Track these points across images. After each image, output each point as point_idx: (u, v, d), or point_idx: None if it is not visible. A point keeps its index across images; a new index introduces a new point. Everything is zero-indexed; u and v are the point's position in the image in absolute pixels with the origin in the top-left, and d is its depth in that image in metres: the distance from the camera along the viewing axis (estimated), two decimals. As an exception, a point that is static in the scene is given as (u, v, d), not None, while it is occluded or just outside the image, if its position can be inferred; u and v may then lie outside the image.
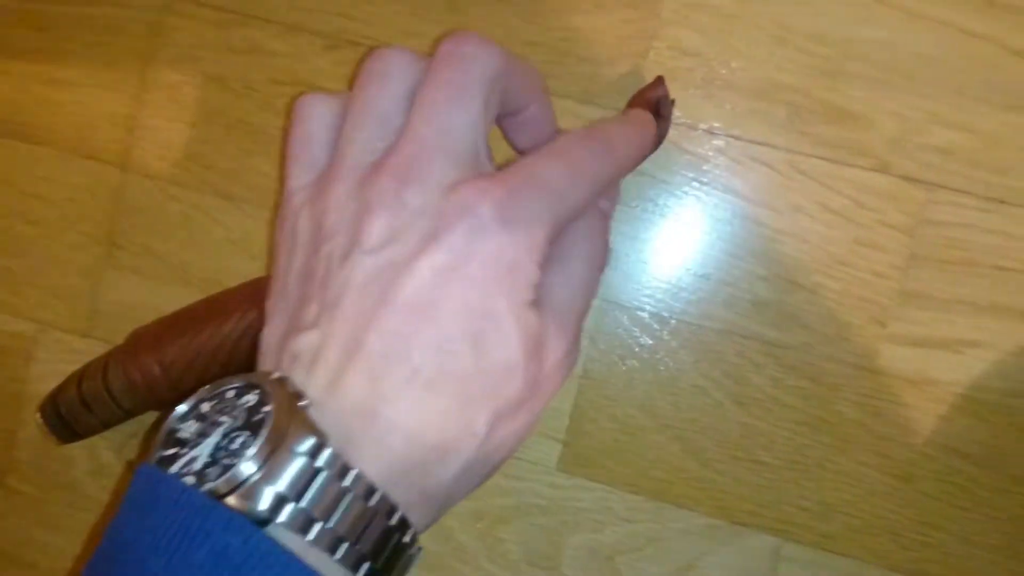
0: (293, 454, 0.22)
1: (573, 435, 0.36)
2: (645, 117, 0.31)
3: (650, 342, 0.35)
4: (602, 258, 0.29)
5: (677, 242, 0.35)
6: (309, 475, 0.22)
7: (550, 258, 0.27)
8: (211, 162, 0.37)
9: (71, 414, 0.34)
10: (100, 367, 0.34)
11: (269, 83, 0.37)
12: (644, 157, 0.30)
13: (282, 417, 0.22)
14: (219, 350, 0.32)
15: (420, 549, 0.25)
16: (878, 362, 0.34)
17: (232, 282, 0.37)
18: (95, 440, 0.38)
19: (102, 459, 0.39)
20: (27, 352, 0.39)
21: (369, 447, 0.23)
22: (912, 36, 0.33)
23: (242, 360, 0.32)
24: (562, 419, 0.36)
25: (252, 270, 0.37)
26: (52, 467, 0.39)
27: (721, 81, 0.34)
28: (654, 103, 0.32)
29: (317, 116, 0.28)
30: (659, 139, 0.32)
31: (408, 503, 0.24)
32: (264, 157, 0.37)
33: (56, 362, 0.39)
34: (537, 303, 0.26)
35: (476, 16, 0.35)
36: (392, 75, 0.27)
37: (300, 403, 0.23)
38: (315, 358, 0.24)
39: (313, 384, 0.24)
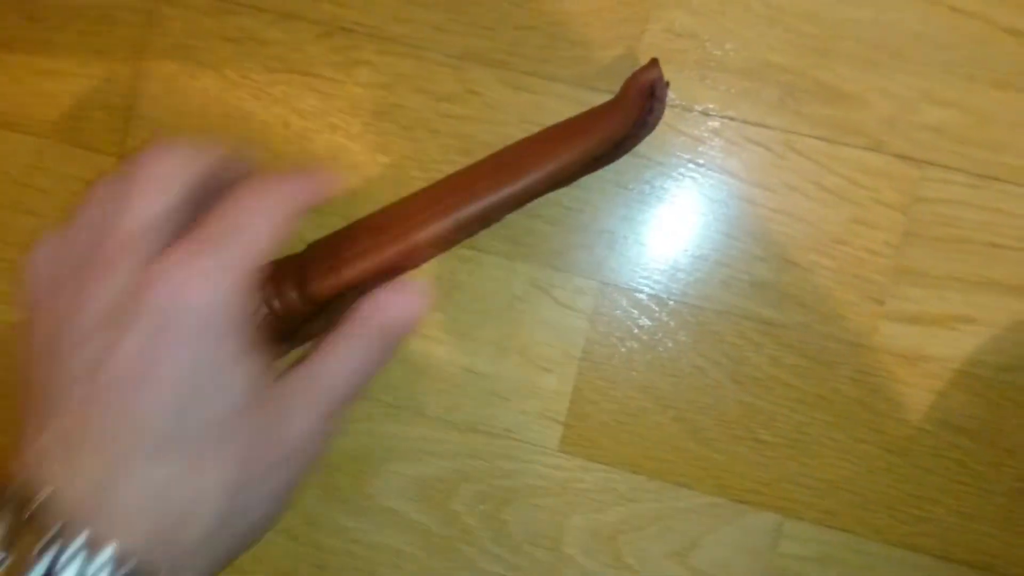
0: (44, 548, 0.24)
1: (574, 417, 0.37)
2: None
3: (649, 323, 0.37)
4: (380, 354, 0.31)
5: (674, 224, 0.36)
6: (65, 562, 0.24)
7: (329, 341, 0.30)
8: (208, 151, 0.38)
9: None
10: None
11: (264, 71, 0.38)
12: None
13: (19, 524, 0.24)
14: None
15: None
16: (874, 339, 0.35)
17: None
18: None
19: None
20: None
21: (116, 522, 0.25)
22: (901, 15, 0.34)
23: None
24: (563, 401, 0.37)
25: (252, 258, 0.38)
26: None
27: (715, 62, 0.35)
28: (648, 85, 0.33)
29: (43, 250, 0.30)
30: (654, 121, 0.34)
31: (173, 562, 0.25)
32: (260, 146, 0.38)
33: (58, 353, 0.40)
34: (300, 371, 0.29)
35: (468, 1, 0.36)
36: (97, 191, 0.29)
37: (44, 494, 0.25)
38: (50, 450, 0.26)
39: (53, 475, 0.25)
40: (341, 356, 0.30)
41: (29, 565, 0.24)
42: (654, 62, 0.34)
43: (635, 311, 0.37)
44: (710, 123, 0.36)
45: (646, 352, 0.37)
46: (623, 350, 0.37)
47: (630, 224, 0.36)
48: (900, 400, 0.36)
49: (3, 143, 0.40)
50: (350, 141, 0.38)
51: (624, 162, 0.36)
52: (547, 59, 0.36)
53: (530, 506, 0.38)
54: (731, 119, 0.36)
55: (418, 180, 0.37)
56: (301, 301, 0.32)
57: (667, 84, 0.34)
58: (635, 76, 0.34)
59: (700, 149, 0.36)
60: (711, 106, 0.36)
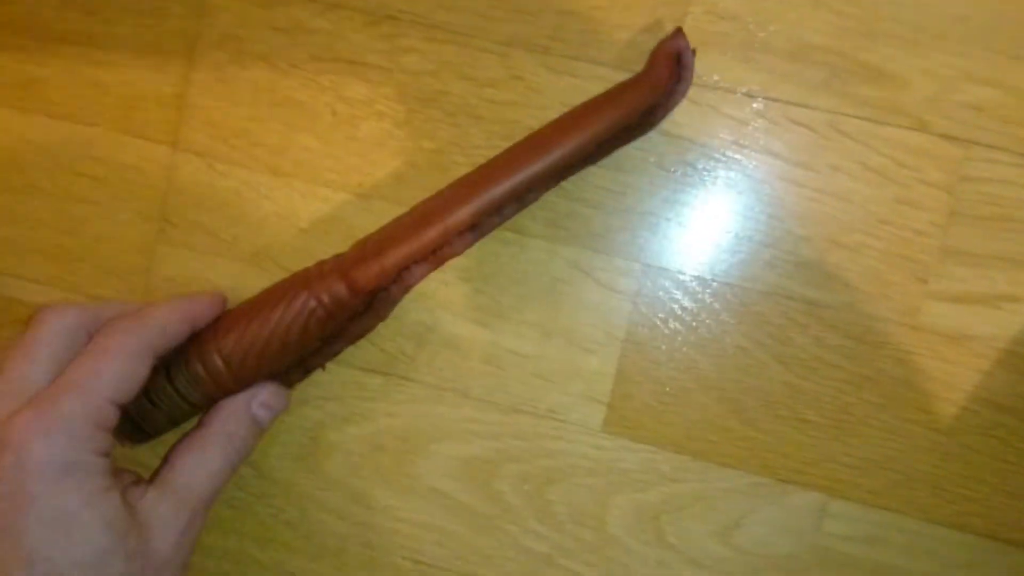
0: None
1: (617, 397, 0.38)
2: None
3: (692, 304, 0.37)
4: (238, 454, 0.35)
5: (717, 205, 0.37)
6: None
7: (188, 444, 0.34)
8: (258, 139, 0.40)
9: (138, 412, 0.34)
10: (163, 363, 0.35)
11: (312, 60, 0.39)
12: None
13: None
14: (272, 337, 0.34)
15: None
16: (920, 319, 0.36)
17: (281, 256, 0.39)
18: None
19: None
20: (84, 328, 0.42)
21: None
22: (947, -6, 0.35)
23: (295, 343, 0.34)
24: (606, 382, 0.38)
25: (300, 243, 0.39)
26: (110, 439, 0.42)
27: (758, 44, 0.36)
28: (675, 53, 0.34)
29: None
30: (683, 90, 0.35)
31: None
32: (309, 133, 0.39)
33: (113, 337, 0.41)
34: (159, 485, 0.32)
35: (514, -13, 0.37)
36: None
37: None
38: None
39: None
40: (195, 468, 0.33)
41: None
42: (679, 31, 0.34)
43: (678, 292, 0.37)
44: (754, 104, 0.36)
45: (689, 333, 0.37)
46: (666, 331, 0.38)
47: (672, 206, 0.37)
48: (945, 380, 0.36)
49: (57, 133, 0.41)
50: (396, 128, 0.39)
51: (666, 144, 0.37)
52: (589, 43, 0.37)
53: (574, 486, 0.38)
54: (774, 100, 0.36)
55: (462, 166, 0.38)
56: (349, 294, 0.34)
57: (694, 52, 0.35)
58: (661, 45, 0.35)
59: (743, 131, 0.36)
60: (754, 87, 0.36)
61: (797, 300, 0.37)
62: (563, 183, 0.37)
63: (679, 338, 0.37)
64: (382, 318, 0.36)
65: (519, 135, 0.37)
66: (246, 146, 0.40)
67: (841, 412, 0.37)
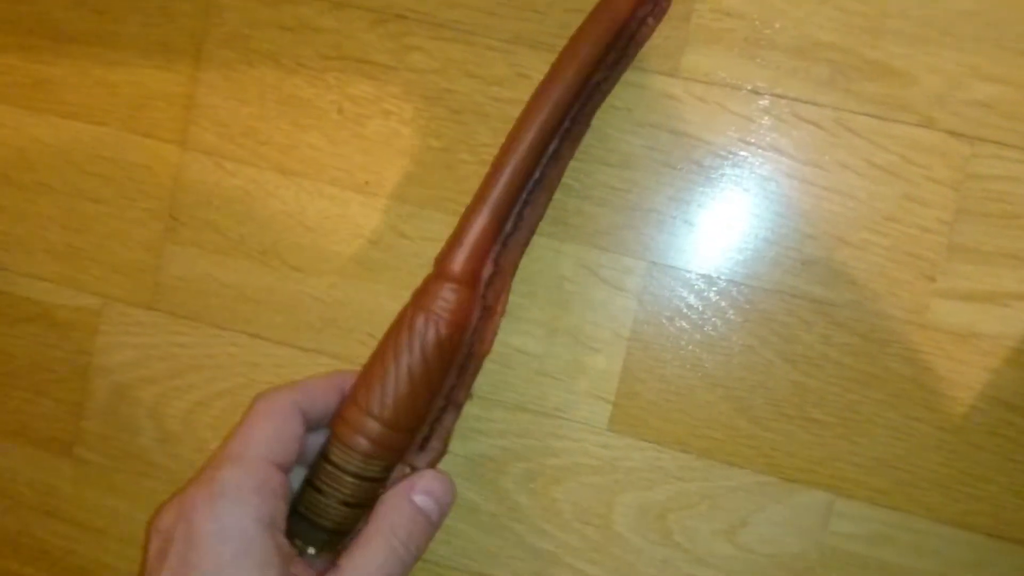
0: None
1: (623, 396, 0.38)
2: None
3: (698, 303, 0.38)
4: (404, 548, 0.33)
5: (723, 202, 0.37)
6: None
7: (357, 536, 0.33)
8: (266, 137, 0.40)
9: (309, 507, 0.34)
10: (317, 458, 0.34)
11: (319, 58, 0.40)
12: None
13: None
14: (411, 372, 0.33)
15: None
16: (927, 317, 0.36)
17: (288, 253, 0.40)
18: (162, 408, 0.42)
19: (168, 427, 0.42)
20: (93, 326, 0.43)
21: None
22: (953, -10, 0.35)
23: (434, 369, 0.34)
24: (612, 380, 0.38)
25: (308, 241, 0.40)
26: (120, 437, 0.43)
27: (764, 41, 0.36)
28: None
29: None
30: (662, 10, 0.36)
31: None
32: (316, 132, 0.40)
33: (121, 335, 0.42)
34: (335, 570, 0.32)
35: (520, -14, 0.38)
36: None
37: None
38: None
39: None
40: (363, 554, 0.33)
41: None
42: None
43: (684, 290, 0.38)
44: (760, 102, 0.37)
45: (695, 331, 0.38)
46: (672, 329, 0.38)
47: (678, 204, 0.38)
48: (952, 378, 0.36)
49: (67, 132, 0.42)
50: (403, 126, 0.39)
51: (672, 141, 0.37)
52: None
53: (579, 484, 0.39)
54: (781, 97, 0.37)
55: (468, 163, 0.39)
56: (455, 289, 0.34)
57: None
58: None
59: (750, 128, 0.37)
60: (761, 84, 0.37)
61: (803, 298, 0.37)
62: (570, 181, 0.38)
63: (685, 336, 0.38)
64: (500, 314, 0.36)
65: (525, 133, 0.38)
66: (254, 145, 0.40)
67: (848, 411, 0.37)
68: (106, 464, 0.43)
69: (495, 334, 0.36)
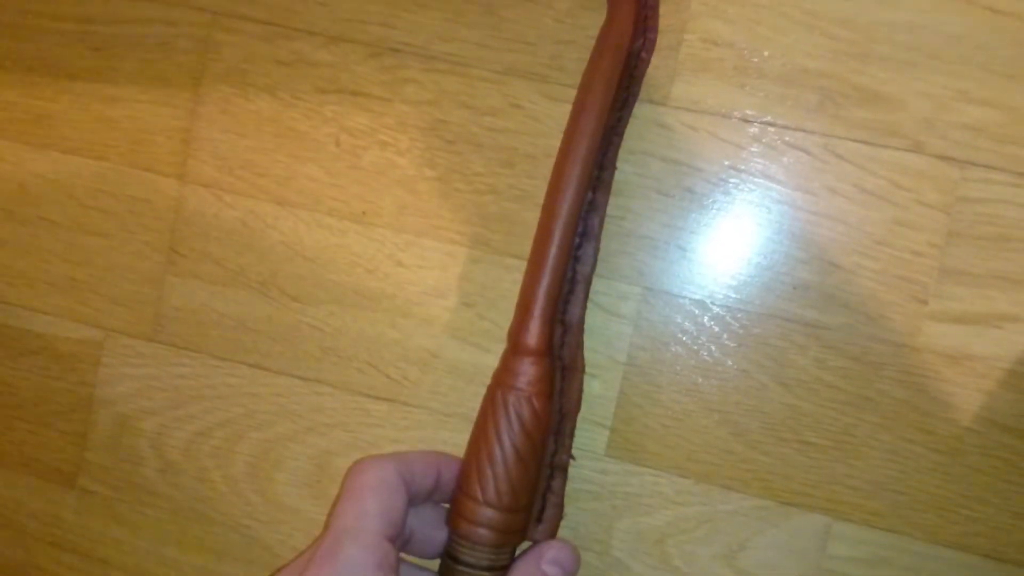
0: None
1: (620, 421, 0.39)
2: None
3: (692, 328, 0.39)
4: None
5: (716, 229, 0.38)
6: None
7: None
8: (263, 170, 0.41)
9: None
10: (443, 558, 0.35)
11: (315, 92, 0.41)
12: None
13: None
14: (512, 452, 0.34)
15: None
16: (920, 339, 0.37)
17: (287, 284, 0.41)
18: (163, 439, 0.43)
19: (170, 457, 0.43)
20: (95, 358, 0.44)
21: None
22: (938, 16, 0.36)
23: (536, 443, 0.35)
24: (608, 406, 0.39)
25: (306, 271, 0.41)
26: (122, 467, 0.44)
27: (753, 70, 0.37)
28: None
29: None
30: (654, 18, 0.36)
31: None
32: (314, 163, 0.41)
33: (123, 366, 0.43)
34: None
35: (509, 18, 0.39)
36: None
37: None
38: None
39: None
40: None
41: None
42: None
43: (678, 316, 0.39)
44: (749, 129, 0.38)
45: (690, 356, 0.39)
46: (667, 355, 0.39)
47: (671, 230, 0.38)
48: (947, 400, 0.37)
49: (68, 166, 0.44)
50: (398, 156, 0.40)
51: (664, 169, 0.38)
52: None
53: (578, 510, 0.40)
54: (770, 124, 0.37)
55: (463, 192, 0.40)
56: (532, 362, 0.35)
57: None
58: None
59: (740, 155, 0.38)
60: (750, 112, 0.38)
61: (797, 322, 0.38)
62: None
63: (680, 362, 0.39)
64: (581, 371, 0.37)
65: (519, 162, 0.39)
66: (252, 177, 0.42)
67: (843, 434, 0.38)
68: (109, 495, 0.44)
69: (580, 391, 0.37)
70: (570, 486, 0.39)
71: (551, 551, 0.35)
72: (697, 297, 0.38)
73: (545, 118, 0.39)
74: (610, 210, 0.39)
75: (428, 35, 0.40)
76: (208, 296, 0.42)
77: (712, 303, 0.38)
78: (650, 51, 0.37)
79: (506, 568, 0.35)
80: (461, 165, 0.40)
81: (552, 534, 0.37)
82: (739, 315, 0.38)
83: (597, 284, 0.39)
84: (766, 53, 0.37)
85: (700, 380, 0.39)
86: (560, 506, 0.37)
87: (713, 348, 0.38)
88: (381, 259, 0.41)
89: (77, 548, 0.44)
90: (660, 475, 0.39)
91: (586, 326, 0.39)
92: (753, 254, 0.38)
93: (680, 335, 0.39)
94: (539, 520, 0.36)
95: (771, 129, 0.37)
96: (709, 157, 0.38)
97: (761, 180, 0.38)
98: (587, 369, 0.39)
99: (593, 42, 0.38)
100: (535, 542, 0.36)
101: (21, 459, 0.45)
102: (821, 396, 0.38)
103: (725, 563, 0.39)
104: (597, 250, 0.37)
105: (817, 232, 0.37)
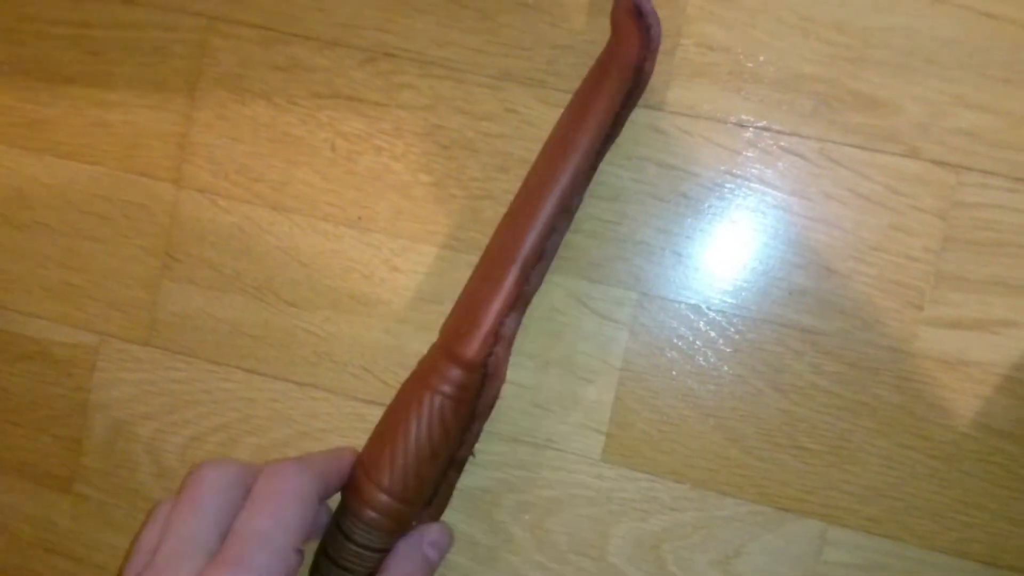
0: None
1: (616, 426, 0.39)
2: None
3: (688, 333, 0.38)
4: None
5: (711, 234, 0.38)
6: None
7: None
8: (259, 175, 0.41)
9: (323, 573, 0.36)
10: (331, 529, 0.36)
11: (311, 97, 0.41)
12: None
13: None
14: (419, 449, 0.35)
15: None
16: (916, 345, 0.37)
17: (283, 289, 0.41)
18: (158, 444, 0.43)
19: (165, 462, 0.43)
20: (90, 363, 0.44)
21: None
22: (932, 21, 0.36)
23: (440, 444, 0.35)
24: (604, 411, 0.39)
25: (302, 276, 0.41)
26: (118, 473, 0.43)
27: (748, 74, 0.37)
28: (632, 9, 0.34)
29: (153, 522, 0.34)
30: (657, 35, 0.35)
31: None
32: (309, 168, 0.41)
33: (119, 371, 0.43)
34: None
35: (505, 23, 0.39)
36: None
37: None
38: None
39: None
40: None
41: None
42: None
43: (674, 321, 0.39)
44: (745, 134, 0.38)
45: (686, 362, 0.39)
46: (663, 360, 0.39)
47: (667, 236, 0.38)
48: (943, 405, 0.37)
49: (64, 171, 0.43)
50: (394, 161, 0.40)
51: (660, 174, 0.38)
52: (583, 76, 0.38)
53: (574, 516, 0.40)
54: (765, 129, 0.37)
55: (458, 198, 0.40)
56: (464, 372, 0.35)
57: None
58: (616, 5, 0.36)
59: (736, 160, 0.38)
60: (745, 117, 0.38)
61: (792, 327, 0.38)
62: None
63: (676, 367, 0.39)
64: (502, 380, 0.37)
65: (514, 167, 0.39)
66: (247, 182, 0.41)
67: (838, 439, 0.38)
68: (104, 500, 0.44)
69: (496, 396, 0.37)
70: (566, 491, 0.39)
71: (432, 534, 0.37)
72: (693, 302, 0.38)
73: (541, 123, 0.39)
74: (606, 215, 0.39)
75: (424, 40, 0.40)
76: (204, 301, 0.42)
77: (708, 308, 0.38)
78: (653, 58, 0.37)
79: (385, 551, 0.36)
80: (457, 170, 0.40)
81: (436, 518, 0.38)
82: (735, 320, 0.38)
83: (592, 290, 0.39)
84: (761, 58, 0.37)
85: (696, 385, 0.39)
86: (448, 496, 0.38)
87: (709, 353, 0.38)
88: (376, 264, 0.41)
89: (72, 554, 0.44)
90: (656, 480, 0.39)
91: (583, 331, 0.39)
92: (749, 259, 0.38)
93: (676, 340, 0.39)
94: (427, 504, 0.37)
95: (766, 134, 0.37)
96: (705, 162, 0.38)
97: (757, 185, 0.38)
98: (582, 374, 0.39)
99: (589, 47, 0.38)
100: (417, 524, 0.37)
101: (16, 464, 0.45)
102: (817, 401, 0.38)
103: (721, 569, 0.39)
104: (546, 270, 0.38)
105: (813, 237, 0.37)
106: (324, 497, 0.35)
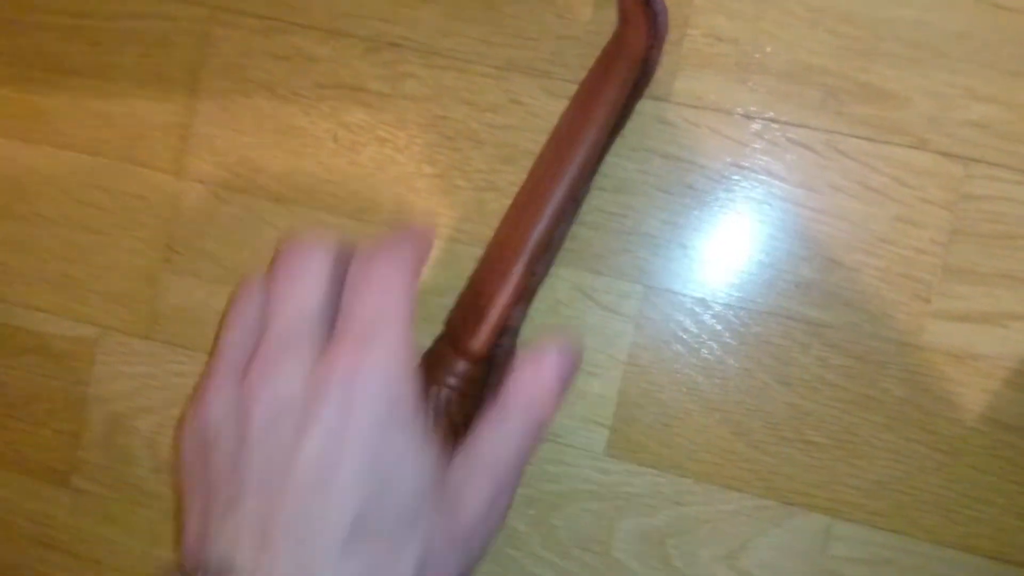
0: None
1: (620, 421, 0.39)
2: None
3: (694, 326, 0.38)
4: (539, 426, 0.32)
5: (717, 226, 0.38)
6: None
7: (491, 415, 0.31)
8: (261, 166, 0.41)
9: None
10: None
11: (314, 87, 0.40)
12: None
13: None
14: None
15: None
16: (923, 338, 0.36)
17: (284, 281, 0.41)
18: (158, 438, 0.42)
19: (164, 457, 0.42)
20: (90, 356, 0.43)
21: None
22: (942, 13, 0.36)
23: (446, 437, 0.34)
24: (608, 405, 0.39)
25: (303, 269, 0.41)
26: (115, 466, 0.43)
27: (756, 66, 0.37)
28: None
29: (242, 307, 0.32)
30: (664, 24, 0.35)
31: None
32: (311, 159, 0.40)
33: (119, 364, 0.43)
34: (464, 454, 0.30)
35: (511, 13, 0.39)
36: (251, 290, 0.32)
37: None
38: (234, 550, 0.27)
39: (244, 563, 0.27)
40: (499, 439, 0.32)
41: None
42: None
43: (679, 314, 0.38)
44: (752, 126, 0.37)
45: (691, 355, 0.38)
46: (668, 353, 0.38)
47: (672, 228, 0.38)
48: (951, 399, 0.36)
49: (64, 162, 0.43)
50: (397, 153, 0.40)
51: (666, 165, 0.38)
52: (588, 67, 0.38)
53: (578, 510, 0.39)
54: (773, 121, 0.37)
55: (463, 189, 0.39)
56: (470, 365, 0.34)
57: None
58: None
59: (743, 152, 0.37)
60: (753, 108, 0.37)
61: (799, 320, 0.37)
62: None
63: (681, 360, 0.38)
64: (505, 371, 0.36)
65: (519, 158, 0.39)
66: (249, 173, 0.41)
67: (845, 433, 0.37)
68: (103, 494, 0.43)
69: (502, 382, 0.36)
70: (570, 485, 0.39)
71: (554, 356, 0.33)
72: (699, 295, 0.38)
73: (546, 114, 0.38)
74: (611, 207, 0.38)
75: (428, 30, 0.39)
76: (205, 294, 0.42)
77: (714, 301, 0.38)
78: (660, 48, 0.36)
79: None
80: (461, 161, 0.39)
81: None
82: (741, 313, 0.38)
83: (597, 282, 0.38)
84: (769, 49, 0.37)
85: (701, 379, 0.38)
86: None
87: (715, 346, 0.38)
88: (380, 256, 0.40)
89: (70, 549, 0.44)
90: (661, 475, 0.39)
91: (587, 325, 0.39)
92: (755, 251, 0.38)
93: (681, 333, 0.38)
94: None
95: (774, 126, 0.37)
96: (711, 154, 0.38)
97: (764, 177, 0.37)
98: (587, 368, 0.39)
99: (595, 38, 0.38)
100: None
101: (14, 457, 0.44)
102: (823, 395, 0.37)
103: (726, 564, 0.38)
104: (553, 259, 0.37)
105: (820, 229, 0.37)
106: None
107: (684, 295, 0.38)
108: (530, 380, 0.32)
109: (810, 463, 0.38)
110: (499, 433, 0.32)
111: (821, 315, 0.37)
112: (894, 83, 0.36)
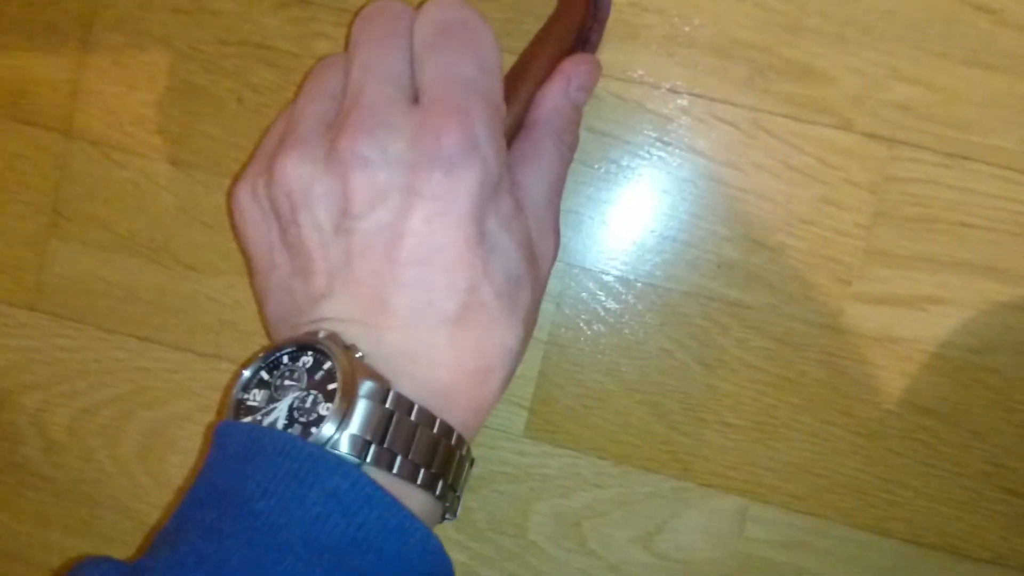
0: (363, 400, 0.25)
1: (539, 401, 0.37)
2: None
3: (615, 306, 0.36)
4: (571, 150, 0.33)
5: (641, 203, 0.36)
6: (381, 417, 0.26)
7: (522, 155, 0.30)
8: (158, 127, 0.37)
9: None
10: None
11: (216, 43, 0.37)
12: None
13: (347, 369, 0.25)
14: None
15: (474, 459, 0.30)
16: (843, 321, 0.36)
17: (182, 251, 0.38)
18: (46, 416, 0.39)
19: (53, 436, 0.39)
20: (-30, 328, 0.39)
21: (421, 384, 0.27)
22: (873, -10, 0.34)
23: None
24: (528, 385, 0.37)
25: (204, 238, 0.37)
26: (1, 446, 0.39)
27: (683, 39, 0.35)
28: None
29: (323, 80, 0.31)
30: (602, 12, 0.34)
31: (462, 422, 0.28)
32: (213, 121, 0.37)
33: (2, 337, 0.39)
34: (519, 204, 0.29)
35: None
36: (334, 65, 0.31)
37: (356, 354, 0.26)
38: (345, 320, 0.27)
39: (353, 340, 0.27)
40: (538, 171, 0.31)
41: (356, 416, 0.25)
42: None
43: (601, 293, 0.37)
44: (678, 101, 0.36)
45: (612, 335, 0.37)
46: (589, 333, 0.37)
47: (595, 204, 0.36)
48: (869, 382, 0.36)
49: (-58, 118, 0.39)
50: (307, 117, 0.37)
51: (589, 140, 0.36)
52: (511, 33, 0.36)
53: (494, 493, 0.37)
54: (699, 96, 0.35)
55: (378, 158, 0.37)
56: None
57: None
58: None
59: (667, 127, 0.36)
60: (679, 83, 0.35)
61: (720, 301, 0.36)
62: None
63: (602, 340, 0.37)
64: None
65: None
66: (144, 134, 0.38)
67: (763, 415, 0.36)
68: (-14, 476, 0.40)
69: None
70: (486, 468, 0.37)
71: (579, 75, 0.33)
72: (620, 274, 0.36)
73: (465, 81, 0.36)
74: (532, 181, 0.36)
75: (341, -13, 0.36)
76: (95, 263, 0.38)
77: (636, 280, 0.36)
78: (599, 31, 0.34)
79: None
80: (375, 128, 0.37)
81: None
82: (662, 292, 0.36)
83: (517, 258, 0.36)
84: (697, 22, 0.35)
85: (621, 359, 0.37)
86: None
87: (636, 326, 0.36)
88: (288, 227, 0.37)
89: (-50, 533, 0.40)
90: (579, 457, 0.37)
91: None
92: (678, 231, 0.36)
93: (602, 313, 0.37)
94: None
95: (700, 101, 0.35)
96: (636, 128, 0.36)
97: (688, 154, 0.36)
98: (505, 347, 0.37)
99: (520, 2, 0.35)
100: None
101: None
102: (742, 376, 0.36)
103: (642, 546, 0.37)
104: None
105: (743, 209, 0.36)
106: None
107: (607, 274, 0.36)
108: (552, 108, 0.32)
109: (728, 445, 0.36)
110: (536, 175, 0.31)
111: (742, 296, 0.36)
112: (820, 60, 0.35)
